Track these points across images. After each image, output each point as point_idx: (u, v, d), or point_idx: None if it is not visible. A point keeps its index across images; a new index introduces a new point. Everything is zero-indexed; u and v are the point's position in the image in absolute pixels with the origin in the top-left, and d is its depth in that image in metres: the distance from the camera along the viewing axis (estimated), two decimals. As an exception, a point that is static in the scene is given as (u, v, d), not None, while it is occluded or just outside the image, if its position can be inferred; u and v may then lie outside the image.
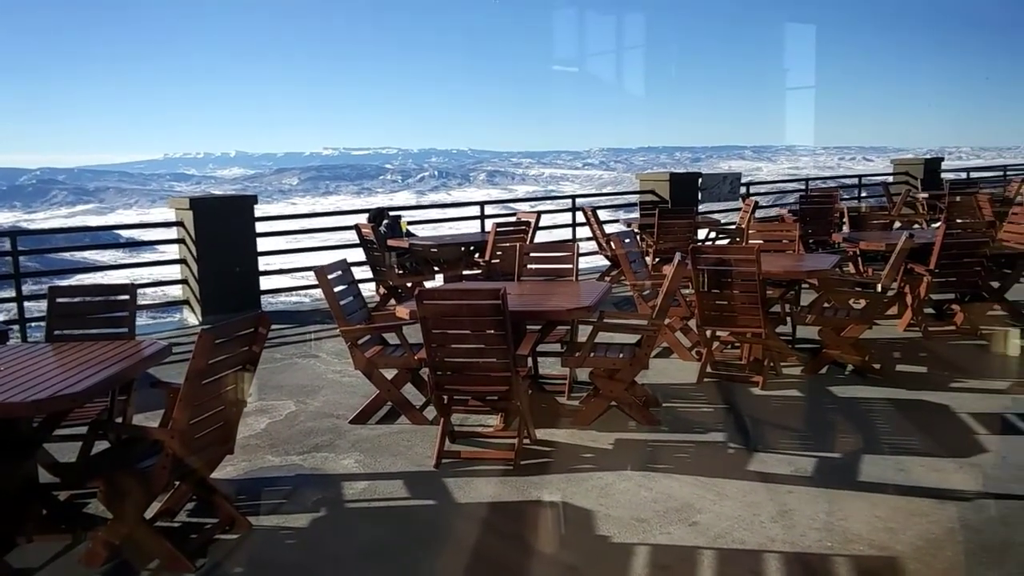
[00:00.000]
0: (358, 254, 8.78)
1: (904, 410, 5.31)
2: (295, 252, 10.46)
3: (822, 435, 4.99)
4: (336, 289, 5.24)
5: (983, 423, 4.94)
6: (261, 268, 9.31)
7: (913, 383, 5.84)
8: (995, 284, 7.52)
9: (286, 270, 10.41)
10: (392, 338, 5.40)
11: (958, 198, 11.27)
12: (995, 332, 7.15)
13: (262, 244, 9.29)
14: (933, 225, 11.13)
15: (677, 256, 5.38)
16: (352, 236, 9.22)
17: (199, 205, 8.83)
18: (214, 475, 3.95)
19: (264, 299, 9.41)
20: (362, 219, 9.21)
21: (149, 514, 3.54)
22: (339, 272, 5.40)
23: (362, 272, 8.17)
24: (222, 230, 8.85)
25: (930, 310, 7.56)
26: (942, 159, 16.87)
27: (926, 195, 13.41)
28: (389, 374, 5.27)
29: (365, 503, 4.14)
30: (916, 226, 11.37)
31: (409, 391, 5.35)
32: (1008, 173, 18.86)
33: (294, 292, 11.55)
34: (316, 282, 5.26)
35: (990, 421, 4.98)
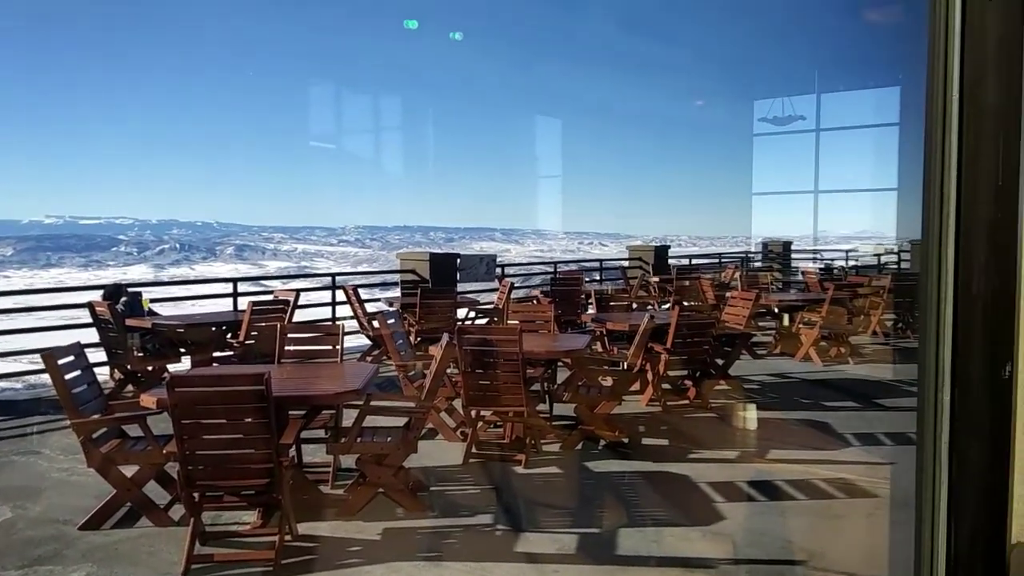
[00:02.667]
0: (87, 334, 7.90)
1: (652, 482, 5.67)
2: (6, 334, 9.18)
3: (582, 511, 5.18)
4: (67, 376, 4.65)
5: (719, 491, 5.40)
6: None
7: (657, 455, 6.28)
8: (720, 361, 8.40)
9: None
10: (134, 430, 4.86)
11: (686, 282, 12.56)
12: (722, 405, 7.94)
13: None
14: (664, 307, 12.27)
15: (445, 337, 5.42)
16: (79, 314, 8.31)
17: None
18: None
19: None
20: (95, 296, 8.34)
21: None
22: (72, 357, 4.81)
23: (95, 354, 7.35)
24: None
25: (667, 385, 8.24)
26: (669, 246, 18.77)
27: (657, 279, 14.78)
28: (129, 471, 4.72)
29: (98, 624, 3.61)
30: (650, 307, 12.46)
31: (152, 489, 4.82)
32: (723, 260, 21.40)
33: (5, 379, 10.07)
34: (38, 367, 4.64)
35: (725, 489, 5.46)
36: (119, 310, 7.90)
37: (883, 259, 21.83)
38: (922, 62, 1.31)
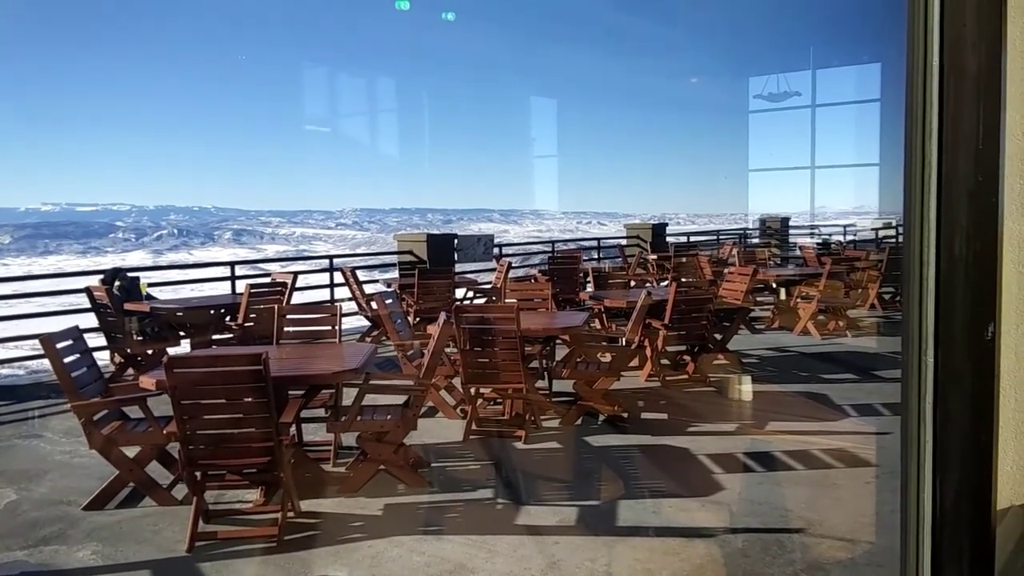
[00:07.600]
0: (85, 319, 7.92)
1: (652, 455, 5.72)
2: (6, 320, 9.20)
3: (582, 484, 5.23)
4: (66, 360, 4.67)
5: (718, 463, 5.45)
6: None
7: (657, 429, 6.32)
8: (718, 336, 8.43)
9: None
10: (134, 411, 4.90)
11: (684, 259, 12.58)
12: (721, 379, 7.99)
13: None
14: (662, 283, 12.29)
15: (442, 316, 5.44)
16: (77, 300, 8.34)
17: None
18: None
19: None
20: (94, 281, 8.36)
21: None
22: (70, 341, 4.83)
23: (95, 339, 7.39)
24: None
25: (666, 361, 8.27)
26: (667, 224, 18.77)
27: (655, 256, 14.79)
28: (131, 452, 4.76)
29: (105, 601, 3.66)
30: (648, 284, 12.48)
31: (155, 470, 4.87)
32: (720, 237, 21.40)
33: (6, 364, 10.10)
34: (38, 352, 4.67)
35: (723, 461, 5.50)
36: (115, 294, 7.92)
37: (881, 234, 21.83)
38: (902, 31, 1.33)
